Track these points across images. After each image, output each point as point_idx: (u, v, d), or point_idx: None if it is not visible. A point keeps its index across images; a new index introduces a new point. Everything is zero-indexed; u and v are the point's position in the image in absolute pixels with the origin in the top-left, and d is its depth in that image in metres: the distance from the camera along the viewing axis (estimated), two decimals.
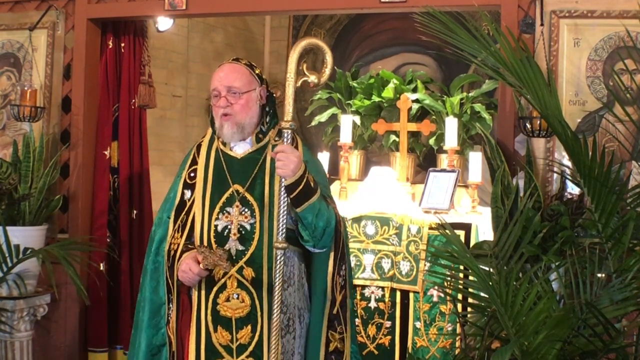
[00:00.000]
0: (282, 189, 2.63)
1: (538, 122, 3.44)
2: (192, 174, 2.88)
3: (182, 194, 2.87)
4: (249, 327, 2.72)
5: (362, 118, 4.78)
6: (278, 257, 2.63)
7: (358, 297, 4.00)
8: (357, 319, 3.99)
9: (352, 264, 4.00)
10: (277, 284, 2.62)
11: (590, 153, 2.62)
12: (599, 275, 2.64)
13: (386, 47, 7.07)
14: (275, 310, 2.62)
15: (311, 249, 2.78)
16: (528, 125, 3.49)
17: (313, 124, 5.12)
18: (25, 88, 4.32)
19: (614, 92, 3.46)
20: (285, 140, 2.64)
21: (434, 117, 4.59)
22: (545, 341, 2.29)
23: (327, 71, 2.76)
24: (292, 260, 2.79)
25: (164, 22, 5.29)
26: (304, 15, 7.35)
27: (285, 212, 2.63)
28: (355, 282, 3.99)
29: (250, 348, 2.72)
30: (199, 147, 2.93)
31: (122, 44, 4.64)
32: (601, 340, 2.34)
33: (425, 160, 4.79)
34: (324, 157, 4.63)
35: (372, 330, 3.98)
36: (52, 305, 4.33)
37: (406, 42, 6.80)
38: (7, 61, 4.62)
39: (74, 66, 4.51)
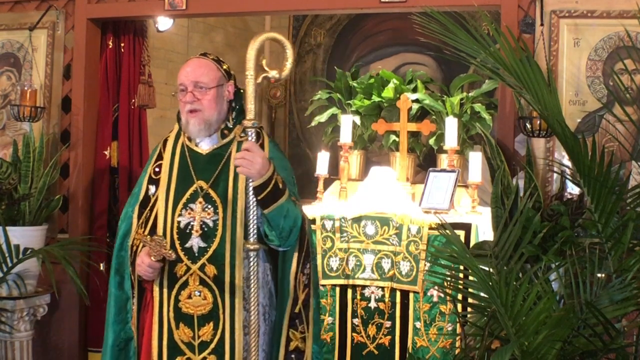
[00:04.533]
0: (250, 189, 2.61)
1: (538, 122, 3.44)
2: (157, 169, 2.87)
3: (147, 189, 2.86)
4: (211, 324, 2.71)
5: (362, 118, 4.78)
6: (251, 259, 2.63)
7: (358, 297, 4.00)
8: (357, 319, 3.99)
9: (352, 264, 4.00)
10: (252, 285, 2.63)
11: (590, 153, 2.62)
12: (599, 275, 2.64)
13: (386, 47, 7.06)
14: (252, 311, 2.64)
15: (276, 247, 2.76)
16: (528, 125, 3.49)
17: (313, 124, 5.12)
18: (25, 88, 4.32)
19: (614, 92, 3.46)
20: (249, 138, 2.62)
21: (434, 117, 4.59)
22: (545, 341, 2.30)
23: (289, 65, 2.70)
24: (256, 258, 2.77)
25: (164, 22, 5.29)
26: (304, 15, 7.35)
27: (255, 213, 2.61)
28: (355, 282, 3.99)
29: (212, 345, 2.70)
30: (165, 142, 2.92)
31: (122, 44, 4.64)
32: (601, 340, 2.35)
33: (425, 160, 4.79)
34: (324, 157, 4.63)
35: (372, 330, 3.98)
36: (52, 305, 4.33)
37: (406, 42, 6.79)
38: (7, 61, 4.62)
39: (74, 66, 4.51)
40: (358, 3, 4.15)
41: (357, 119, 4.75)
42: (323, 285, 4.04)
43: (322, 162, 4.62)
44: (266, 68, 2.66)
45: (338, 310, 4.03)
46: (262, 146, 2.82)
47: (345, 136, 4.53)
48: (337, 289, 4.03)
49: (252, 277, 2.64)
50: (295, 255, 2.79)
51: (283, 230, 2.68)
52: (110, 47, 4.60)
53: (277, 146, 2.94)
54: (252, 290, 2.64)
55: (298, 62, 7.56)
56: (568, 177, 3.27)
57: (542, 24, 3.60)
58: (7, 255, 3.86)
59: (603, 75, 3.57)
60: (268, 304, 2.81)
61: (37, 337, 4.35)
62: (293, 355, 2.78)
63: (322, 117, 5.01)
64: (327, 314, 4.04)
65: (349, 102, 4.87)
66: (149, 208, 2.83)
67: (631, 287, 2.53)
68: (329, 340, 4.04)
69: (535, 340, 2.30)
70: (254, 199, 2.61)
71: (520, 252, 2.82)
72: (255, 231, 2.62)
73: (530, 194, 3.31)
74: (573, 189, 3.44)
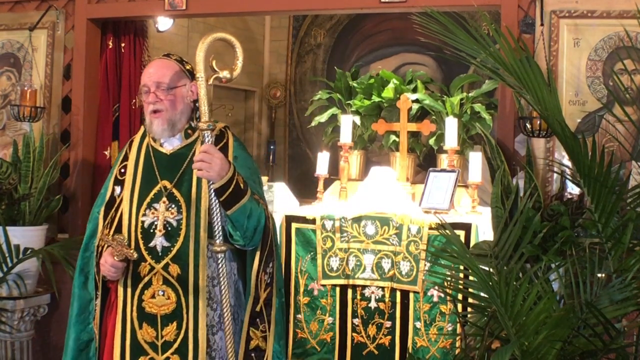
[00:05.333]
0: (211, 191, 2.59)
1: (538, 122, 3.45)
2: (122, 170, 2.87)
3: (113, 190, 2.87)
4: (175, 324, 2.70)
5: (362, 118, 4.78)
6: (219, 261, 2.62)
7: (358, 297, 4.00)
8: (357, 319, 3.99)
9: (352, 264, 4.00)
10: (223, 287, 2.63)
11: (590, 153, 2.62)
12: (599, 275, 2.64)
13: (386, 47, 7.07)
14: (225, 313, 2.64)
15: (241, 247, 2.76)
16: (528, 125, 3.49)
17: (313, 124, 5.12)
18: (25, 88, 4.32)
19: (614, 93, 3.46)
20: (206, 140, 2.60)
21: (434, 117, 4.59)
22: (545, 341, 2.30)
23: (239, 64, 2.69)
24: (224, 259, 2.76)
25: (164, 22, 5.29)
26: (304, 15, 7.36)
27: (218, 215, 2.60)
28: (355, 282, 3.99)
29: (176, 345, 2.69)
30: (131, 143, 2.93)
31: (122, 44, 4.65)
32: (601, 340, 2.35)
33: (425, 160, 4.79)
34: (324, 157, 4.64)
35: (372, 330, 3.98)
36: (52, 305, 4.33)
37: (406, 42, 6.80)
38: (7, 61, 4.62)
39: (74, 66, 4.51)
40: (358, 3, 4.16)
41: (357, 119, 4.76)
42: (323, 285, 4.04)
43: (322, 162, 4.62)
44: (216, 69, 2.64)
45: (338, 310, 4.03)
46: (226, 145, 2.83)
47: (345, 136, 4.53)
48: (337, 289, 4.03)
49: (221, 278, 2.63)
50: (257, 254, 2.78)
51: (247, 230, 2.68)
52: (111, 47, 4.60)
53: (242, 145, 2.93)
54: (222, 291, 2.63)
55: (298, 62, 7.57)
56: (568, 177, 3.27)
57: (542, 24, 3.61)
58: (7, 255, 3.86)
59: (603, 76, 3.57)
60: (236, 303, 2.81)
61: (37, 337, 4.35)
62: (253, 354, 2.77)
63: (322, 117, 5.01)
64: (327, 314, 4.04)
65: (349, 102, 4.87)
66: (114, 209, 2.83)
67: (631, 287, 2.53)
68: (329, 340, 4.04)
69: (535, 340, 2.30)
70: (216, 201, 2.60)
71: (520, 252, 2.82)
72: (220, 233, 2.61)
73: (530, 194, 3.31)
74: (573, 189, 3.45)
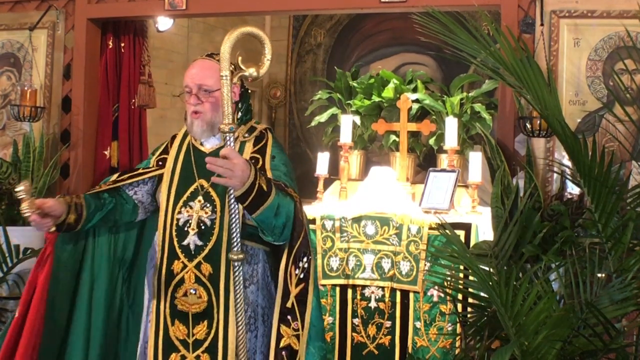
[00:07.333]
0: (232, 198, 2.46)
1: (538, 122, 3.45)
2: (160, 162, 2.87)
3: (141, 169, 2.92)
4: (205, 322, 2.69)
5: (362, 118, 4.78)
6: (236, 269, 2.55)
7: (358, 297, 4.00)
8: (357, 319, 3.99)
9: (352, 264, 4.00)
10: (237, 294, 2.57)
11: (590, 153, 2.62)
12: (599, 275, 2.64)
13: (386, 47, 7.07)
14: (239, 319, 2.61)
15: (271, 242, 2.68)
16: (528, 125, 3.49)
17: (313, 124, 5.12)
18: (25, 88, 4.32)
19: (614, 92, 3.46)
20: (227, 144, 2.45)
21: (434, 117, 4.59)
22: (545, 341, 2.30)
23: (267, 61, 2.56)
24: (256, 257, 2.74)
25: (164, 22, 5.29)
26: (304, 15, 7.36)
27: (237, 221, 2.52)
28: (356, 282, 3.99)
29: (206, 344, 2.69)
30: (173, 138, 2.93)
31: (122, 44, 4.64)
32: (601, 340, 2.35)
33: (425, 160, 4.79)
34: (324, 157, 4.63)
35: (372, 330, 3.98)
36: None
37: (406, 42, 6.80)
38: (7, 61, 4.62)
39: (74, 66, 4.51)
40: (358, 3, 4.16)
41: (357, 119, 4.76)
42: (323, 285, 4.04)
43: (322, 162, 4.62)
44: (242, 66, 2.52)
45: (338, 310, 4.03)
46: (265, 145, 2.81)
47: (345, 136, 4.53)
48: (337, 288, 4.03)
49: (236, 286, 2.57)
50: (287, 246, 2.67)
51: (275, 227, 2.60)
52: (110, 47, 4.60)
53: (279, 144, 2.88)
54: (237, 298, 2.58)
55: (298, 62, 7.56)
56: (568, 177, 3.27)
57: (542, 24, 3.61)
58: (7, 255, 3.86)
59: (603, 75, 3.57)
60: (267, 305, 2.77)
61: None
62: (284, 353, 2.62)
63: (322, 117, 5.01)
64: (327, 314, 4.04)
65: (349, 102, 4.87)
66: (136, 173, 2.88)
67: (631, 287, 2.53)
68: (329, 340, 4.04)
69: (535, 340, 2.30)
70: (235, 207, 2.50)
71: (520, 252, 2.83)
72: (238, 240, 2.53)
73: (530, 194, 3.31)
74: (573, 189, 3.45)
